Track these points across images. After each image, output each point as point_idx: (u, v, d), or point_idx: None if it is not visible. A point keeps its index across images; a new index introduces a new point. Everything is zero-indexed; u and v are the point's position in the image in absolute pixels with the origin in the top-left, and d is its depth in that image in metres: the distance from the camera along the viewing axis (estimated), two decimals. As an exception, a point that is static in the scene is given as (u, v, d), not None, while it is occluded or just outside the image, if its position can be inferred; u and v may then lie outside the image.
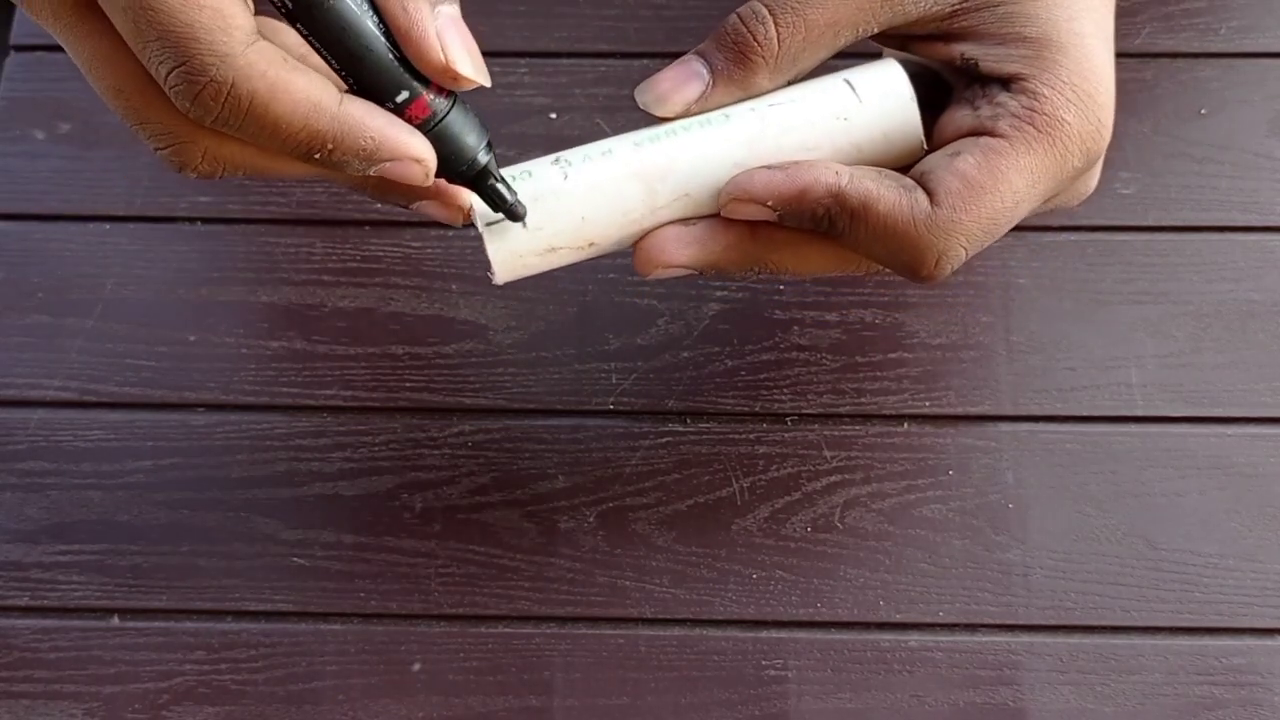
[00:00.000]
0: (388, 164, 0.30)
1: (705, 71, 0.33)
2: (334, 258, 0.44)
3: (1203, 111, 0.46)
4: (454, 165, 0.31)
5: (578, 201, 0.33)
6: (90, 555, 0.41)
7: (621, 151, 0.33)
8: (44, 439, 0.42)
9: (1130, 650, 0.39)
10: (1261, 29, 0.47)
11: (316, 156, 0.30)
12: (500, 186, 0.32)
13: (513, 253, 0.33)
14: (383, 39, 0.29)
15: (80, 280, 0.44)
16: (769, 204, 0.32)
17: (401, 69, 0.30)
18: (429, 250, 0.44)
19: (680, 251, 0.33)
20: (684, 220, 0.33)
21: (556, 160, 0.33)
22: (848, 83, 0.33)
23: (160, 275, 0.44)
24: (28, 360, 0.43)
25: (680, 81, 0.33)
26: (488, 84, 0.31)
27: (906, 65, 0.34)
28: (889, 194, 0.32)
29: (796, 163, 0.32)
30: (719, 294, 0.44)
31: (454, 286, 0.44)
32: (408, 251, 0.44)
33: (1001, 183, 0.32)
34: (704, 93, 0.33)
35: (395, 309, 0.44)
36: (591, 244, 0.33)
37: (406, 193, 0.33)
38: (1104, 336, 0.43)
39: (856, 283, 0.44)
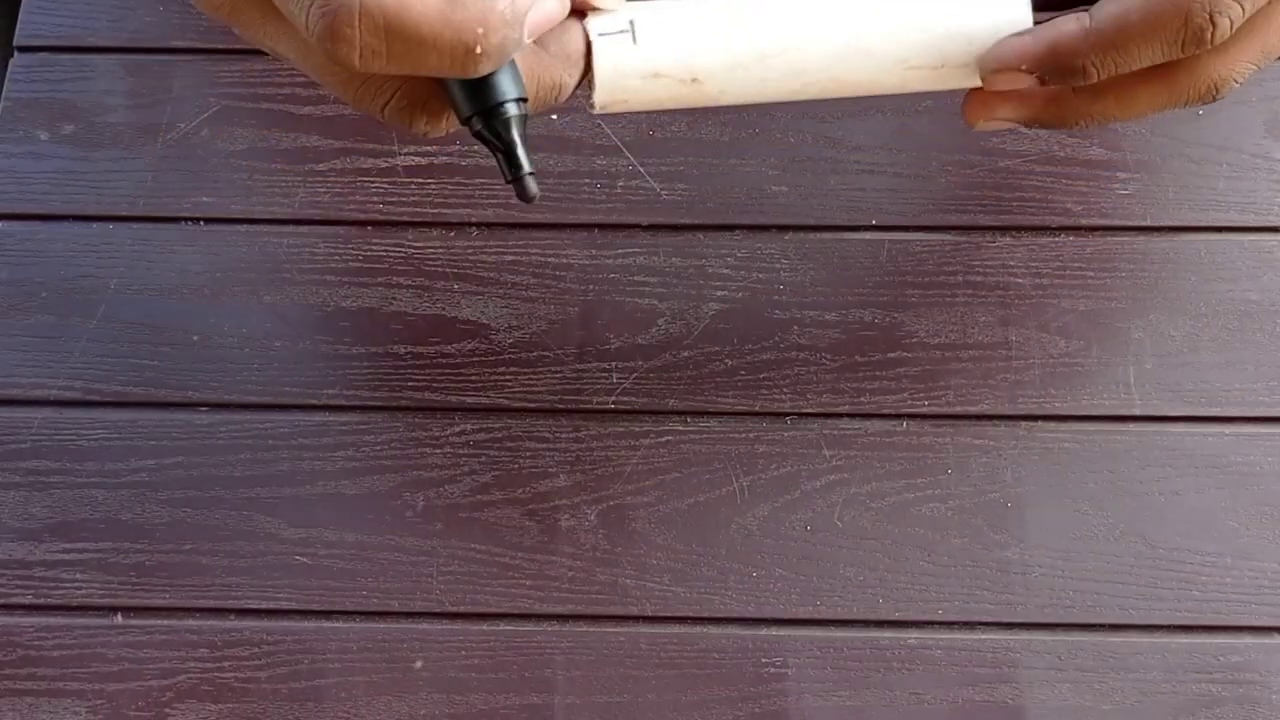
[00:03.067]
0: (537, 18, 0.31)
1: None
2: (336, 258, 0.45)
3: (1200, 112, 0.46)
4: None
5: (690, 30, 0.33)
6: (94, 554, 0.41)
7: None
8: (48, 438, 0.42)
9: (1128, 648, 0.39)
10: (1259, 30, 0.47)
11: (478, 50, 0.29)
12: None
13: (617, 70, 0.33)
14: None
15: (84, 280, 0.44)
16: (1024, 69, 0.33)
17: None
18: (431, 250, 0.45)
19: (1004, 107, 0.34)
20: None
21: None
22: None
23: (163, 275, 0.44)
24: (31, 360, 0.43)
25: None
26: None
27: None
28: (1130, 1, 0.31)
29: (1043, 25, 0.33)
30: (719, 294, 0.44)
31: (456, 286, 0.44)
32: (410, 252, 0.45)
33: None
34: None
35: (397, 309, 0.44)
36: (694, 80, 0.33)
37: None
38: (1102, 336, 0.43)
39: (856, 282, 0.44)
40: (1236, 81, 0.34)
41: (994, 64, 0.33)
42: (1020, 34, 0.33)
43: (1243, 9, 0.31)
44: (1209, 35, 0.32)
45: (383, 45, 0.29)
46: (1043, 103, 0.34)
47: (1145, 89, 0.34)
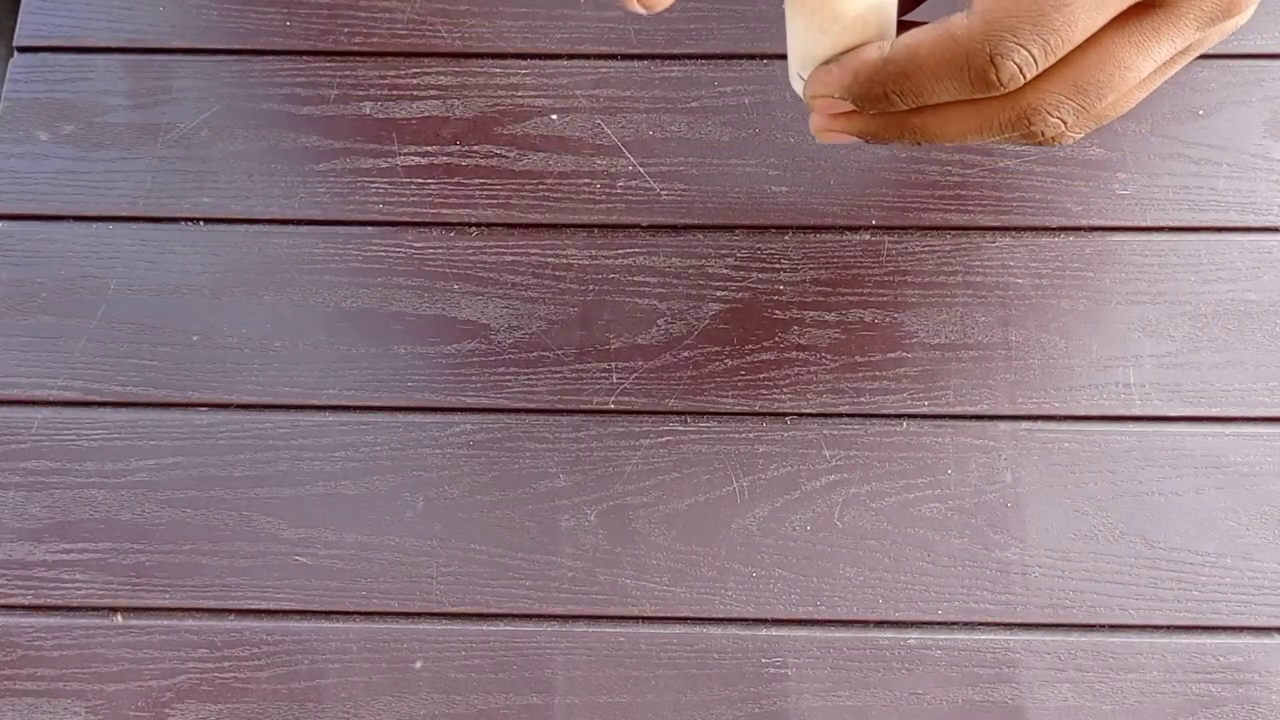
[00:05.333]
0: None
1: None
2: (336, 258, 0.45)
3: (1200, 112, 0.46)
4: None
5: None
6: (93, 554, 0.41)
7: None
8: (48, 438, 0.43)
9: (1128, 648, 0.39)
10: (1258, 30, 0.47)
11: None
12: None
13: None
14: None
15: (84, 280, 0.44)
16: (837, 95, 0.35)
17: None
18: (431, 250, 0.45)
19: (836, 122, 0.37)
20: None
21: None
22: None
23: (163, 275, 0.45)
24: (31, 360, 0.43)
25: None
26: None
27: None
28: (924, 35, 0.33)
29: (849, 52, 0.35)
30: (719, 294, 0.44)
31: (456, 286, 0.44)
32: (410, 252, 0.45)
33: None
34: None
35: (397, 309, 0.44)
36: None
37: None
38: (1102, 336, 0.43)
39: (856, 282, 0.44)
40: (1052, 114, 0.34)
41: (811, 91, 0.35)
42: (829, 63, 0.35)
43: (1032, 55, 0.32)
44: (993, 76, 0.33)
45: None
46: (869, 118, 0.36)
47: (957, 112, 0.35)
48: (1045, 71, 0.33)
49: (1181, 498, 0.41)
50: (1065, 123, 0.34)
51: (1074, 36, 0.32)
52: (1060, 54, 0.32)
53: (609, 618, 0.40)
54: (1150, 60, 0.33)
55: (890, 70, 0.34)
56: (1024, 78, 0.33)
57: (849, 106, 0.35)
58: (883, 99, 0.34)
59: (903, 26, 0.37)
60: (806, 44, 0.36)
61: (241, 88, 0.47)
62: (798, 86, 0.37)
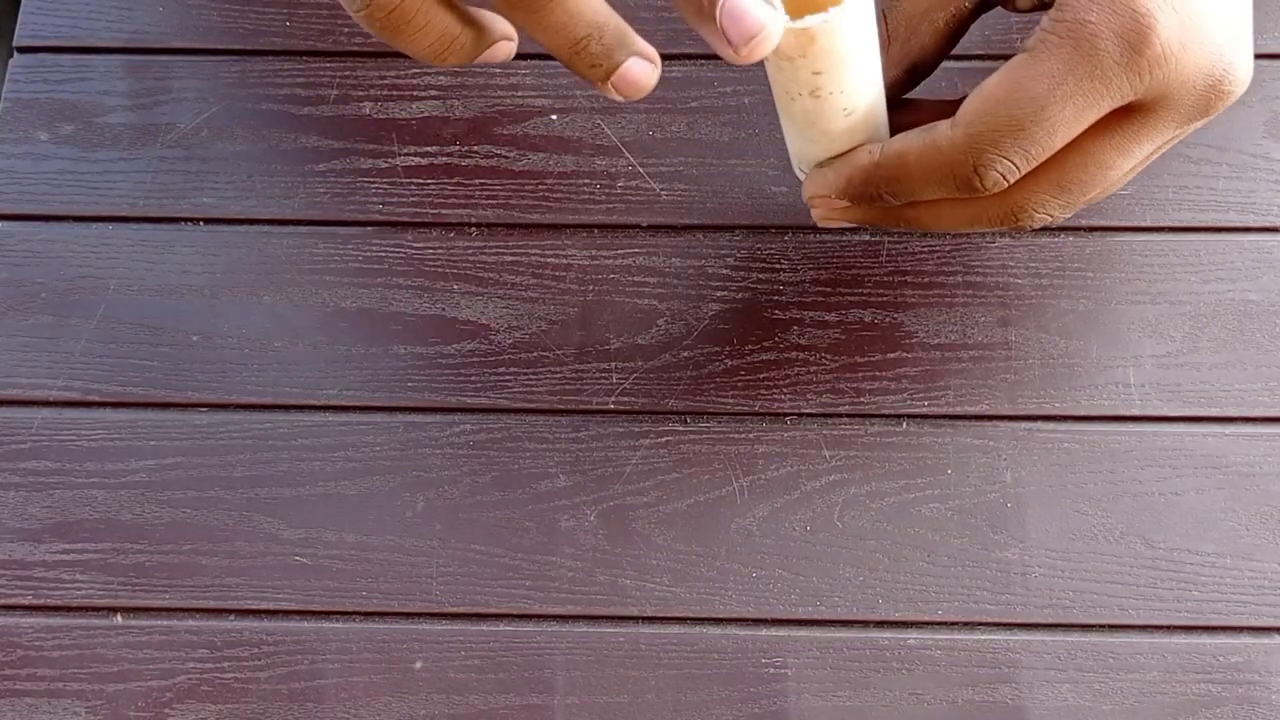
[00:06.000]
0: None
1: None
2: (335, 258, 0.45)
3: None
4: None
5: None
6: (93, 554, 0.41)
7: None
8: (47, 438, 0.43)
9: (1128, 648, 0.39)
10: (1259, 30, 0.47)
11: None
12: None
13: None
14: None
15: (83, 281, 0.44)
16: (833, 195, 0.37)
17: None
18: (431, 250, 0.45)
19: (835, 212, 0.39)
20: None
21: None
22: None
23: (163, 276, 0.45)
24: (31, 360, 0.43)
25: None
26: None
27: None
28: (913, 142, 0.34)
29: (842, 157, 0.37)
30: (719, 294, 0.44)
31: (456, 286, 0.44)
32: (409, 252, 0.45)
33: (1018, 90, 0.33)
34: None
35: (397, 309, 0.44)
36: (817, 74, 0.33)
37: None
38: (1101, 336, 0.43)
39: (856, 283, 0.44)
40: (1039, 211, 0.36)
41: (809, 192, 0.38)
42: (824, 166, 0.37)
43: (1014, 164, 0.34)
44: (977, 184, 0.34)
45: None
46: (866, 210, 0.38)
47: (948, 206, 0.37)
48: (1030, 173, 0.35)
49: (1181, 498, 0.41)
50: (1052, 216, 0.36)
51: (1054, 144, 0.34)
52: (1041, 160, 0.34)
53: (609, 618, 0.40)
54: (1131, 159, 0.35)
55: (881, 175, 0.35)
56: (1007, 183, 0.34)
57: (847, 203, 0.37)
58: (876, 198, 0.36)
59: (902, 105, 0.38)
60: (799, 150, 0.38)
61: (241, 88, 0.47)
62: (800, 175, 0.39)
